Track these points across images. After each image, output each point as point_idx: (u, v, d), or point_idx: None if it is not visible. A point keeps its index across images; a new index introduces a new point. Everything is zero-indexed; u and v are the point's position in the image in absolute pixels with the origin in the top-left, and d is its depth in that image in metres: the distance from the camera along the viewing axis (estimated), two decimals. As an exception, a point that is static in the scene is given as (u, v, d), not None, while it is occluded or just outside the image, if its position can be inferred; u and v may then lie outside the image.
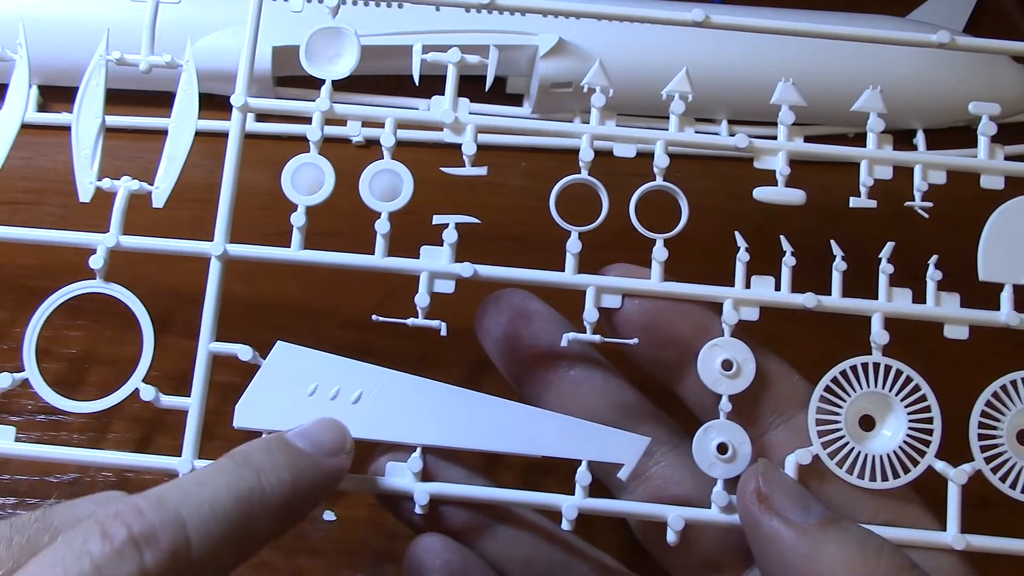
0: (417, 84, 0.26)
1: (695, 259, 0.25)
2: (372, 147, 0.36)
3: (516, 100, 0.40)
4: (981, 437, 0.24)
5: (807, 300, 0.25)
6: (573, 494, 0.24)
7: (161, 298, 0.26)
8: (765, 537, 0.23)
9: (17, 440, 0.25)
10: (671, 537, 0.24)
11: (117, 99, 0.28)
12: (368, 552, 0.31)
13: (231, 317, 0.26)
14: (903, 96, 0.38)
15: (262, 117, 0.35)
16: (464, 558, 0.25)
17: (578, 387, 0.26)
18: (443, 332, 0.25)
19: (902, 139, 0.40)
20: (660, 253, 0.25)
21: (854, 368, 0.25)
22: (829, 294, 0.25)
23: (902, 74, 0.39)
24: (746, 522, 0.23)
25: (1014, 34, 0.34)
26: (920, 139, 0.39)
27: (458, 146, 0.26)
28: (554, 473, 0.25)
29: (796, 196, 0.26)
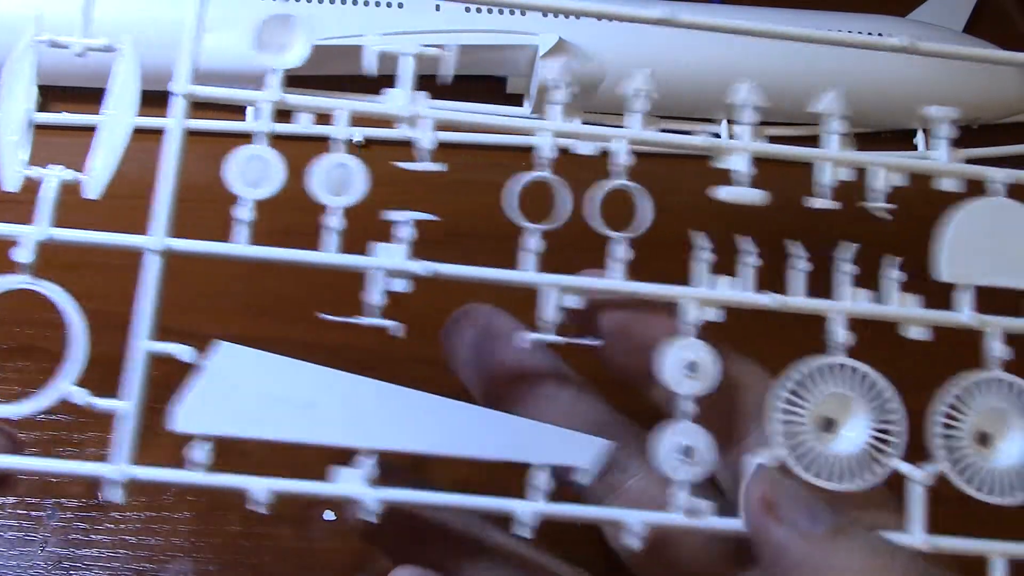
0: (375, 75, 0.25)
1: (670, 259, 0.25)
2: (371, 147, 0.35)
3: (516, 100, 0.39)
4: (942, 437, 0.24)
5: (769, 300, 0.25)
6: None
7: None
8: (773, 547, 0.22)
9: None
10: (635, 543, 0.23)
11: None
12: (368, 552, 0.31)
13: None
14: (903, 96, 0.39)
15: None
16: None
17: (549, 405, 0.26)
18: (397, 333, 0.24)
19: (903, 139, 0.41)
20: (622, 252, 0.25)
21: (817, 369, 0.24)
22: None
23: (902, 74, 0.39)
24: (752, 530, 0.23)
25: (1013, 34, 0.35)
26: (920, 139, 0.39)
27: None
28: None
29: (758, 196, 0.25)
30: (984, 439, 0.25)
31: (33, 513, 0.30)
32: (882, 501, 0.24)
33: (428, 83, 0.29)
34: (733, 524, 0.23)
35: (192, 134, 0.25)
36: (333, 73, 0.35)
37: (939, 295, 0.25)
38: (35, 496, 0.30)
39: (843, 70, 0.38)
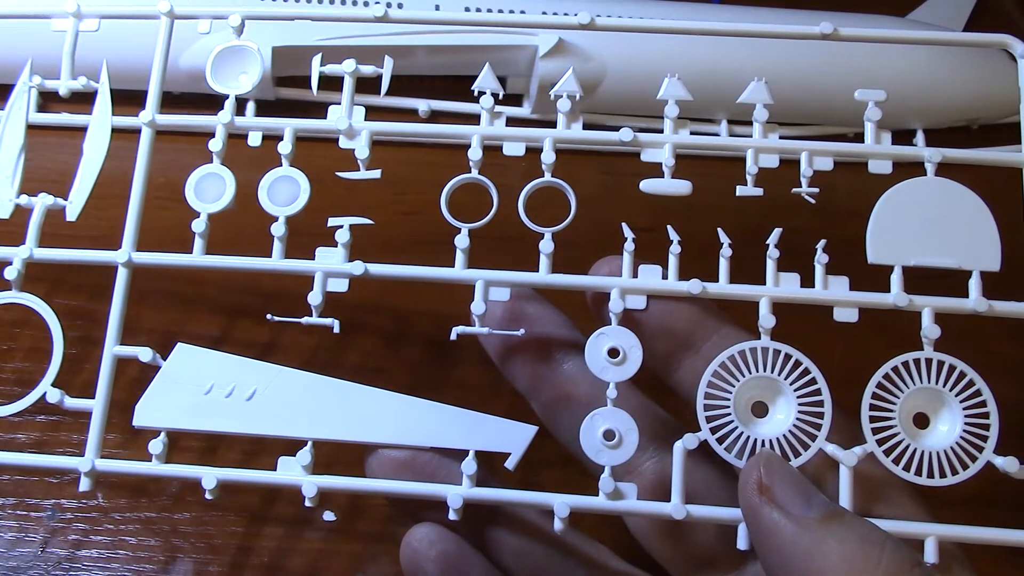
0: (315, 93, 0.27)
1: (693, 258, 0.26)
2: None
3: (516, 100, 0.40)
4: (873, 419, 0.24)
5: (692, 287, 0.25)
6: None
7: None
8: (765, 530, 0.22)
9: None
10: (557, 525, 0.24)
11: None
12: (368, 552, 0.32)
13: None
14: (903, 96, 0.38)
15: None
16: (459, 548, 0.25)
17: (571, 379, 0.27)
18: (336, 330, 0.25)
19: (902, 139, 0.39)
20: (547, 247, 0.26)
21: (742, 353, 0.25)
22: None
23: (902, 74, 0.39)
24: (747, 513, 0.23)
25: (1014, 34, 0.34)
26: (920, 139, 0.38)
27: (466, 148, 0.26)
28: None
29: (682, 187, 0.26)
30: (924, 420, 0.25)
31: (33, 513, 0.31)
32: None
33: (433, 83, 0.30)
34: (660, 508, 0.24)
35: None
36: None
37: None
38: (35, 497, 0.31)
39: (843, 71, 0.38)
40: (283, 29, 0.36)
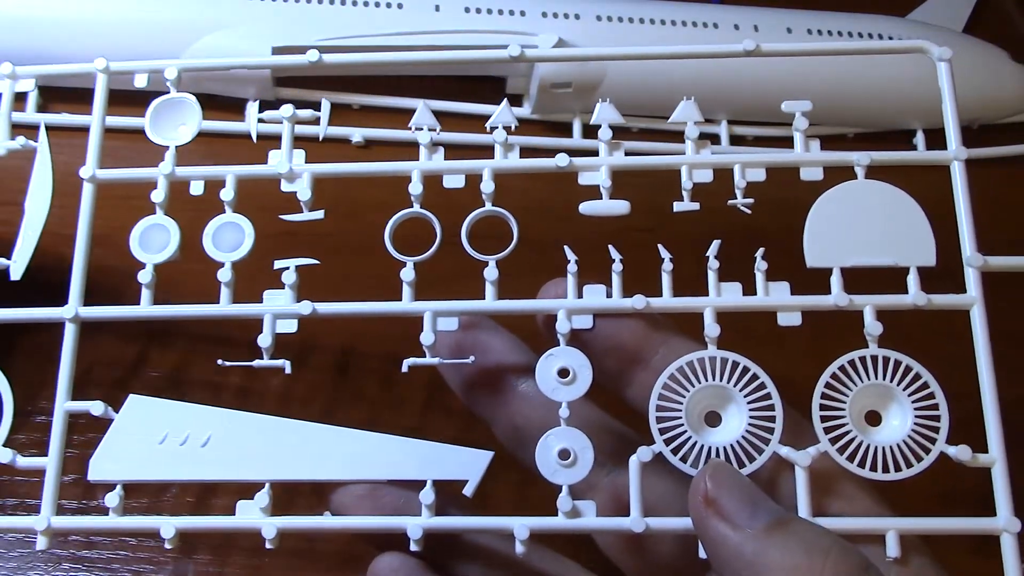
0: (255, 141, 0.28)
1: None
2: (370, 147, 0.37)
3: (516, 101, 0.41)
4: (824, 419, 0.24)
5: (636, 302, 0.25)
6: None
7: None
8: (712, 542, 0.22)
9: None
10: (519, 549, 0.24)
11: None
12: (368, 553, 0.31)
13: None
14: (903, 96, 0.39)
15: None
16: None
17: (528, 400, 0.27)
18: (288, 370, 0.25)
19: (902, 139, 0.40)
20: (491, 274, 0.26)
21: (690, 364, 0.25)
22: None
23: (902, 74, 0.40)
24: (696, 526, 0.23)
25: (1013, 34, 0.35)
26: (920, 139, 0.38)
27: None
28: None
29: (621, 207, 0.27)
30: (876, 418, 0.25)
31: (34, 514, 0.30)
32: None
33: (433, 83, 0.30)
34: (619, 523, 0.24)
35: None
36: (333, 74, 0.37)
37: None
38: (35, 497, 0.29)
39: (844, 72, 0.39)
40: (283, 28, 0.36)
